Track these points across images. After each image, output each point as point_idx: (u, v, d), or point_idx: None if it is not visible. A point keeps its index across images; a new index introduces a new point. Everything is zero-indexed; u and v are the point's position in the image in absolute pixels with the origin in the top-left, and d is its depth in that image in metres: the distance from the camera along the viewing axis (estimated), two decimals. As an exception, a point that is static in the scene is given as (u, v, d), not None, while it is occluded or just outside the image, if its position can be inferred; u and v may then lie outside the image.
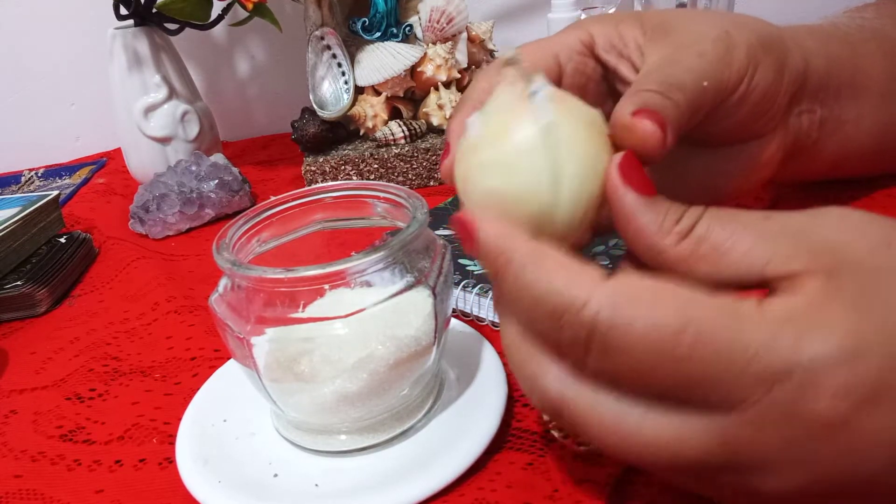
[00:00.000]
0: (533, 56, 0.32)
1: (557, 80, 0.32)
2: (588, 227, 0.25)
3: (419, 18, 0.61)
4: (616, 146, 0.24)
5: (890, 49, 0.39)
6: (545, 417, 0.27)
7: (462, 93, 0.62)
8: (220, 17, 0.65)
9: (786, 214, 0.21)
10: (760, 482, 0.19)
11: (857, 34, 0.39)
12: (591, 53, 0.33)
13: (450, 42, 0.62)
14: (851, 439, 0.18)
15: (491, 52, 0.66)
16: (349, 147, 0.63)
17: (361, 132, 0.63)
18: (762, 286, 0.20)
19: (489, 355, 0.34)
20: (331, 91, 0.62)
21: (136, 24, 0.66)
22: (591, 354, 0.20)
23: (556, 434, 0.28)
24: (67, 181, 0.79)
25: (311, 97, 0.62)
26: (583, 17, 0.67)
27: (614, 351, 0.19)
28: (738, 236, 0.21)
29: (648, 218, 0.22)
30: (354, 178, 0.61)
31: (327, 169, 0.61)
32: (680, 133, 0.27)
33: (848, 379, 0.18)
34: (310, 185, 0.49)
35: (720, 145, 0.35)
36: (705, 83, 0.29)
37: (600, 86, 0.34)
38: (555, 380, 0.21)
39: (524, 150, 0.23)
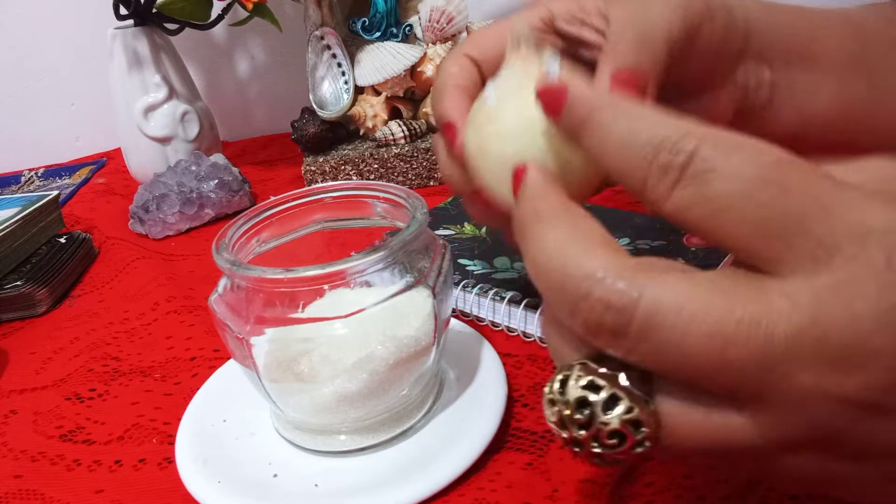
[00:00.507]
0: (494, 38, 0.33)
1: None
2: (597, 185, 0.26)
3: (419, 18, 0.61)
4: None
5: (856, 31, 0.40)
6: (552, 418, 0.22)
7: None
8: (220, 17, 0.65)
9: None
10: (846, 380, 0.17)
11: (817, 13, 0.40)
12: (552, 29, 0.34)
13: (450, 42, 0.62)
14: None
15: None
16: (349, 147, 0.63)
17: (361, 132, 0.63)
18: None
19: (489, 355, 0.34)
20: (331, 91, 0.62)
21: (135, 24, 0.66)
22: (683, 182, 0.19)
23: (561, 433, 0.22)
24: (67, 181, 0.79)
25: (311, 97, 0.62)
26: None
27: (712, 175, 0.19)
28: None
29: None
30: (354, 178, 0.61)
31: (327, 169, 0.61)
32: (661, 83, 0.29)
33: None
34: (310, 185, 0.49)
35: (674, 98, 0.36)
36: (672, 28, 0.30)
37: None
38: (631, 270, 0.19)
39: (543, 118, 0.24)
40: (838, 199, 0.18)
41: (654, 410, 0.19)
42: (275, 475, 0.29)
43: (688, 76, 0.34)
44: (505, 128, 0.25)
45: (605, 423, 0.20)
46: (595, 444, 0.20)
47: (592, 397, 0.20)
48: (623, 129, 0.21)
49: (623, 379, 0.20)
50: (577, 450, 0.21)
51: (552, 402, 0.21)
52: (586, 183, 0.26)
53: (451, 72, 0.32)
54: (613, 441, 0.20)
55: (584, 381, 0.20)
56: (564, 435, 0.21)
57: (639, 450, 0.20)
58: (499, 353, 0.34)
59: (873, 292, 0.17)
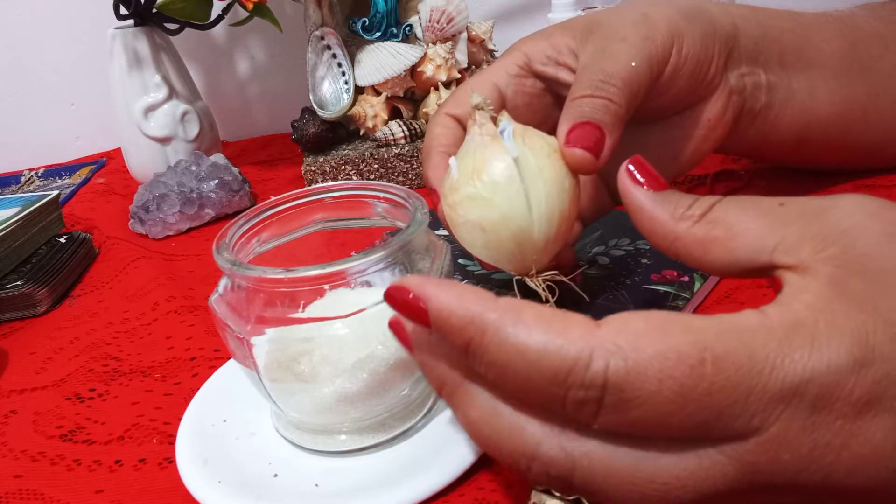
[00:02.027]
0: (474, 90, 0.34)
1: (501, 105, 0.35)
2: (564, 237, 0.28)
3: (419, 18, 0.61)
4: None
5: (848, 32, 0.41)
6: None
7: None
8: (220, 17, 0.65)
9: (802, 200, 0.21)
10: (779, 500, 0.19)
11: (809, 14, 0.41)
12: (530, 72, 0.36)
13: (450, 42, 0.62)
14: (863, 446, 0.18)
15: (491, 52, 0.66)
16: (349, 147, 0.63)
17: (361, 132, 0.63)
18: (772, 270, 0.20)
19: (489, 355, 0.34)
20: (331, 91, 0.62)
21: (136, 24, 0.66)
22: (603, 413, 0.18)
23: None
24: (67, 181, 0.79)
25: (311, 97, 0.62)
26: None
27: (632, 405, 0.18)
28: (753, 220, 0.21)
29: (662, 209, 0.22)
30: (354, 178, 0.61)
31: (327, 169, 0.61)
32: (622, 125, 0.30)
33: (858, 385, 0.17)
34: (310, 185, 0.49)
35: (670, 115, 0.36)
36: (633, 63, 0.31)
37: (544, 99, 0.36)
38: (556, 444, 0.19)
39: (498, 182, 0.26)
40: (758, 369, 0.17)
41: None
42: (275, 475, 0.29)
43: (672, 94, 0.34)
44: (464, 197, 0.27)
45: None
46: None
47: None
48: (519, 361, 0.18)
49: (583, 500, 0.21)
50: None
51: None
52: (544, 243, 0.28)
53: (434, 133, 0.34)
54: None
55: None
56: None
57: None
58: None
59: (796, 451, 0.18)
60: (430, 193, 0.32)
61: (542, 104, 0.36)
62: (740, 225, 0.21)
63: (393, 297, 0.21)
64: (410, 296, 0.20)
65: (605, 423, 0.18)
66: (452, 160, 0.28)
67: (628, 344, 0.18)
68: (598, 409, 0.18)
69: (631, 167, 0.23)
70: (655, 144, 0.37)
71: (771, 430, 0.18)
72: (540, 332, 0.18)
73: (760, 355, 0.18)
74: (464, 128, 0.33)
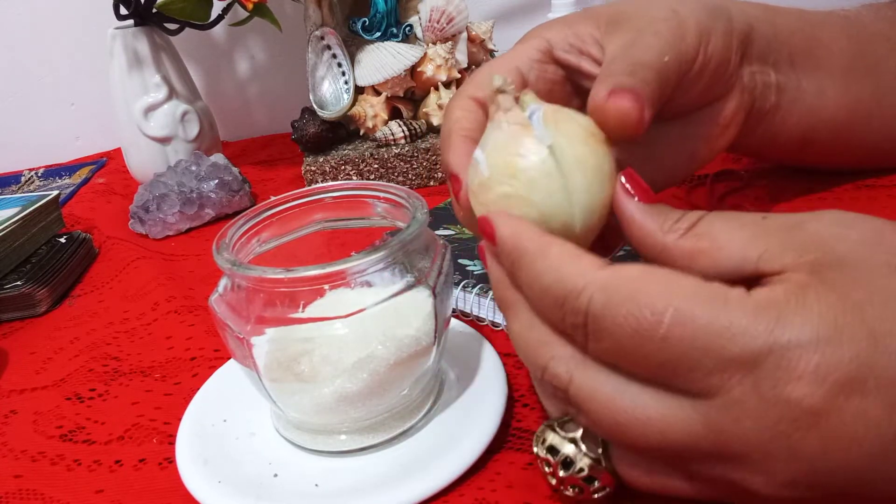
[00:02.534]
0: (496, 73, 0.33)
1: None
2: (603, 222, 0.26)
3: (419, 18, 0.61)
4: (610, 140, 0.26)
5: (855, 33, 0.41)
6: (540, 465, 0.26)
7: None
8: (220, 17, 0.65)
9: (783, 214, 0.22)
10: (749, 477, 0.20)
11: (818, 14, 0.41)
12: (551, 58, 0.35)
13: (450, 42, 0.62)
14: (832, 427, 0.18)
15: (491, 52, 0.66)
16: (349, 147, 0.63)
17: (361, 132, 0.63)
18: (757, 278, 0.21)
19: (489, 355, 0.34)
20: (331, 91, 0.62)
21: (135, 24, 0.66)
22: (590, 338, 0.21)
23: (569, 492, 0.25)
24: (67, 181, 0.79)
25: (311, 97, 0.62)
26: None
27: (604, 334, 0.21)
28: (737, 232, 0.22)
29: (652, 220, 0.23)
30: (354, 178, 0.61)
31: (327, 169, 0.61)
32: (656, 108, 0.29)
33: (824, 363, 0.18)
34: (310, 185, 0.49)
35: (686, 113, 0.36)
36: (666, 58, 0.30)
37: (565, 87, 0.35)
38: (563, 361, 0.23)
39: (535, 178, 0.25)
40: (718, 330, 0.19)
41: (607, 467, 0.24)
42: (275, 475, 0.29)
43: (694, 92, 0.34)
44: (498, 196, 0.26)
45: (568, 475, 0.24)
46: (566, 490, 0.25)
47: (555, 458, 0.24)
48: (538, 283, 0.23)
49: (579, 439, 0.24)
50: (555, 490, 0.25)
51: (536, 454, 0.25)
52: (585, 234, 0.26)
53: (455, 117, 0.32)
54: (576, 490, 0.25)
55: (549, 443, 0.25)
56: (548, 475, 0.25)
57: (599, 495, 0.24)
58: (499, 353, 0.34)
59: (758, 421, 0.19)
60: (448, 179, 0.30)
61: (564, 92, 0.35)
62: (725, 237, 0.22)
63: (481, 224, 0.25)
64: (489, 225, 0.25)
65: (595, 348, 0.21)
66: (479, 154, 0.26)
67: (613, 284, 0.21)
68: (585, 334, 0.21)
69: (623, 179, 0.25)
70: (672, 142, 0.36)
71: (731, 393, 0.19)
72: (556, 263, 0.22)
73: (723, 320, 0.19)
74: (485, 112, 0.31)
